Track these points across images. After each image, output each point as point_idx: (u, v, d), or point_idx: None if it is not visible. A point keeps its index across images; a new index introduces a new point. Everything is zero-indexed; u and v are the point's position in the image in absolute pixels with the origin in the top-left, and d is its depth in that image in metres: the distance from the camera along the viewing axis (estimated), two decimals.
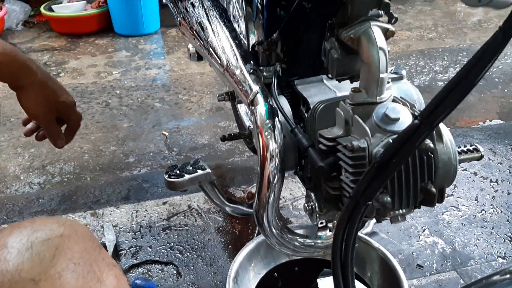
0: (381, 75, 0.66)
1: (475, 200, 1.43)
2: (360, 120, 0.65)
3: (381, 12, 0.69)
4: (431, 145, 0.62)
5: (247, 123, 1.52)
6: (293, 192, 1.47)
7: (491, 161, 1.62)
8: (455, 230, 1.31)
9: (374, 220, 1.30)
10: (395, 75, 0.85)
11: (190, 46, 1.35)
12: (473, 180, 1.52)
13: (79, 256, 0.44)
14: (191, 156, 1.77)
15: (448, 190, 1.46)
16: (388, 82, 0.69)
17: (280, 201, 1.47)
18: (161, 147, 1.83)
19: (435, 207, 1.39)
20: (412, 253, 1.24)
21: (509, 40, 0.42)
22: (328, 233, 0.81)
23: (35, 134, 0.98)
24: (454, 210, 1.39)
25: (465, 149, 0.86)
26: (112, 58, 2.62)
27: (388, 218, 0.69)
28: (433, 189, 0.63)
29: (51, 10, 2.84)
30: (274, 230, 0.76)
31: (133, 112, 2.08)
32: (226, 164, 1.72)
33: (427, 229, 1.32)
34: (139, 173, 1.66)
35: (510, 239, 1.28)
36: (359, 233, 1.12)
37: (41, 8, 2.85)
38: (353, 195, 0.52)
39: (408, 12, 3.29)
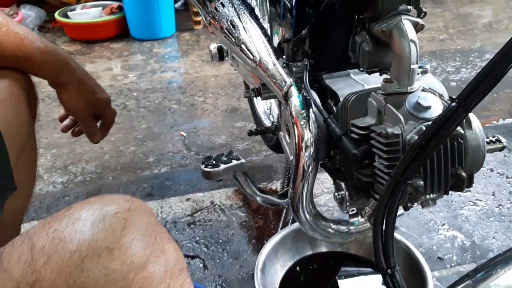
0: (412, 66, 0.69)
1: (492, 195, 1.45)
2: (393, 109, 0.68)
3: (411, 7, 0.72)
4: (462, 131, 0.65)
5: (265, 121, 1.56)
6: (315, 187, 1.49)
7: (506, 157, 1.64)
8: (474, 224, 1.34)
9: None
10: (420, 70, 0.88)
11: (212, 46, 1.39)
12: (490, 176, 1.54)
13: (145, 228, 0.47)
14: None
15: None
16: (418, 74, 0.72)
17: None
18: (180, 147, 1.86)
19: (453, 202, 1.42)
20: (433, 246, 1.27)
21: None
22: (361, 219, 0.84)
23: (71, 130, 1.02)
24: (472, 205, 1.41)
25: (487, 140, 0.89)
26: (127, 61, 2.66)
27: (420, 202, 0.72)
28: (463, 174, 0.66)
29: (66, 16, 2.89)
30: (308, 217, 0.79)
31: (150, 114, 2.12)
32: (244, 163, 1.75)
33: (446, 223, 1.34)
34: (160, 172, 1.69)
35: None
36: None
37: (56, 15, 2.90)
38: (394, 175, 0.55)
39: None
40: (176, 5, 3.01)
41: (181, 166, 1.75)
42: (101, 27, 2.85)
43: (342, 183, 0.84)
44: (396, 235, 1.12)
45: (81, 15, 2.87)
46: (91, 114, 0.96)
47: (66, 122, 1.02)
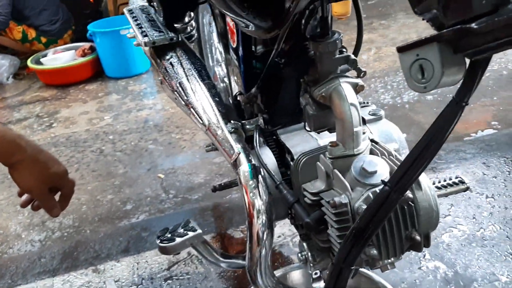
0: (355, 129, 0.67)
1: (473, 218, 1.43)
2: (340, 175, 0.66)
3: (350, 67, 0.71)
4: (410, 195, 0.63)
5: None
6: (292, 228, 1.47)
7: (485, 175, 1.63)
8: (455, 252, 1.32)
9: None
10: (374, 116, 0.87)
11: None
12: (469, 198, 1.52)
13: None
14: (188, 198, 1.78)
15: (445, 210, 1.47)
16: (364, 133, 0.71)
17: (280, 238, 1.48)
18: (158, 191, 1.84)
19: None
20: (415, 280, 1.24)
21: (463, 110, 0.44)
22: (322, 284, 0.81)
23: (30, 204, 0.99)
24: (452, 231, 1.39)
25: (450, 182, 0.87)
26: (103, 102, 2.65)
27: (379, 267, 0.70)
28: (418, 237, 0.64)
29: (38, 62, 2.87)
30: (267, 286, 0.77)
31: (127, 157, 2.10)
32: (223, 203, 1.73)
33: (427, 254, 1.32)
34: (138, 221, 1.66)
35: (511, 256, 1.28)
36: (360, 269, 1.13)
37: (28, 62, 2.88)
38: (336, 263, 0.53)
39: (391, 27, 3.33)
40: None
41: (160, 211, 1.72)
42: (75, 70, 2.84)
43: (305, 244, 0.82)
44: (374, 276, 1.11)
45: (54, 60, 2.86)
46: (46, 189, 0.93)
47: (24, 197, 0.99)
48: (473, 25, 0.37)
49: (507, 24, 0.35)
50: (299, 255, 0.82)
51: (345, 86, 0.67)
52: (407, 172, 0.47)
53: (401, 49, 0.46)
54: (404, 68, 0.46)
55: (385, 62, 2.78)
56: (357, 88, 0.69)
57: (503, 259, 1.27)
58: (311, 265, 0.81)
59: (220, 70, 1.41)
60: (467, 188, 0.88)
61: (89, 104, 2.64)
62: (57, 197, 0.99)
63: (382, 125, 0.88)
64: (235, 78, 1.08)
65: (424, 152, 0.47)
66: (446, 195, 0.88)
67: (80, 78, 2.86)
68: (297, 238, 1.44)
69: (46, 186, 0.92)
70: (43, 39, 3.06)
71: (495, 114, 2.12)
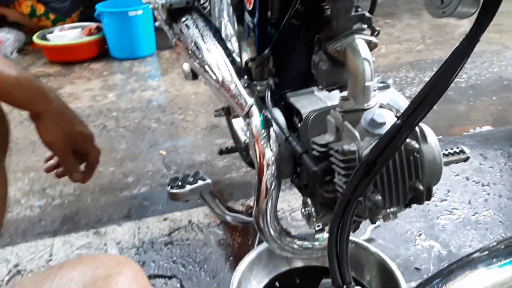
0: (366, 84, 0.70)
1: (468, 204, 1.47)
2: (350, 126, 0.69)
3: (365, 26, 0.74)
4: (417, 146, 0.66)
5: (243, 138, 1.56)
6: (291, 203, 1.50)
7: (482, 165, 1.66)
8: (450, 233, 1.35)
9: (372, 227, 1.34)
10: (382, 84, 0.90)
11: (185, 66, 1.39)
12: (466, 185, 1.56)
13: None
14: (189, 174, 1.80)
15: (442, 195, 1.51)
16: (374, 90, 0.74)
17: (278, 212, 1.50)
18: (160, 166, 1.86)
19: (430, 212, 1.43)
20: (410, 257, 1.27)
21: (474, 48, 0.47)
22: (325, 235, 0.84)
23: (55, 170, 0.96)
24: (448, 214, 1.42)
25: (451, 151, 0.90)
26: (107, 81, 2.67)
27: (381, 217, 0.73)
28: (421, 187, 0.67)
29: (44, 38, 2.88)
30: (273, 234, 0.80)
31: (130, 134, 2.12)
32: (224, 180, 1.76)
33: (423, 233, 1.35)
34: (139, 192, 1.69)
35: None
36: (357, 239, 1.16)
37: (34, 37, 2.90)
38: (345, 193, 0.55)
39: (397, 26, 3.37)
40: (156, 24, 3.02)
41: (161, 185, 1.74)
42: (80, 48, 2.85)
43: (309, 200, 0.85)
44: (371, 247, 1.13)
45: (60, 37, 2.88)
46: (69, 148, 0.88)
47: (51, 162, 0.96)
48: None
49: None
50: (302, 210, 0.85)
51: (360, 42, 0.70)
52: (418, 107, 0.50)
53: None
54: None
55: (389, 58, 2.82)
56: (371, 45, 0.72)
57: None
58: (314, 220, 0.83)
59: (230, 46, 1.44)
60: (468, 158, 0.91)
61: (93, 82, 2.66)
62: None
63: (389, 93, 0.91)
64: (247, 46, 1.11)
65: (435, 88, 0.50)
66: (447, 163, 0.91)
67: (85, 56, 2.88)
68: (295, 213, 1.47)
69: (69, 144, 0.88)
70: (51, 16, 3.07)
71: (493, 113, 2.16)
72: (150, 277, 1.23)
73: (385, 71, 2.64)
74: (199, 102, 2.38)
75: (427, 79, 2.52)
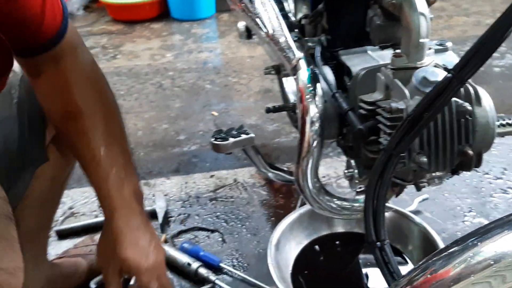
0: (421, 40, 0.67)
1: None
2: (400, 83, 0.67)
3: None
4: (469, 108, 0.63)
5: (292, 99, 1.55)
6: (337, 170, 1.49)
7: None
8: (503, 212, 1.29)
9: (419, 198, 1.30)
10: (440, 47, 0.85)
11: (240, 24, 1.39)
12: None
13: None
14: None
15: (497, 173, 1.44)
16: (430, 48, 0.70)
17: (324, 179, 1.50)
18: (210, 126, 1.89)
19: (483, 189, 1.37)
20: (456, 232, 1.23)
21: None
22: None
23: None
24: (503, 193, 1.36)
25: (510, 121, 0.86)
26: (166, 41, 2.71)
27: (426, 181, 0.70)
28: (470, 152, 0.64)
29: None
30: (312, 192, 0.79)
31: (184, 93, 2.16)
32: (272, 144, 1.76)
33: (473, 210, 1.30)
34: (189, 150, 1.73)
35: None
36: (402, 209, 1.14)
37: None
38: (387, 148, 0.54)
39: None
40: None
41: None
42: (142, 8, 2.91)
43: (352, 161, 0.83)
44: (415, 218, 1.11)
45: None
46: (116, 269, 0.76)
47: None
48: None
49: None
50: (345, 172, 0.84)
51: None
52: (471, 60, 0.48)
53: None
54: None
55: (455, 31, 2.68)
56: (430, 1, 0.68)
57: None
58: (356, 182, 0.82)
59: (286, 6, 1.42)
60: None
61: (152, 42, 2.71)
62: None
63: (447, 56, 0.86)
64: (302, 6, 1.09)
65: (490, 41, 0.46)
66: (504, 134, 0.86)
67: (146, 16, 2.93)
68: (341, 180, 1.45)
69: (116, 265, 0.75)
70: None
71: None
72: (193, 229, 1.27)
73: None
74: (253, 66, 2.37)
75: (494, 54, 2.38)
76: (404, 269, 1.04)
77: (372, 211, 0.55)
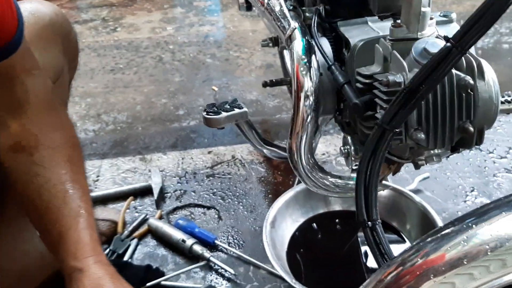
0: (422, 9, 0.63)
1: None
2: (398, 55, 0.63)
3: None
4: (471, 82, 0.59)
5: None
6: (337, 148, 1.45)
7: None
8: (506, 192, 1.26)
9: (420, 177, 1.27)
10: (444, 18, 0.81)
11: None
12: None
13: None
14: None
15: (502, 152, 1.40)
16: (431, 18, 0.66)
17: (324, 156, 1.47)
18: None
19: (486, 168, 1.34)
20: (457, 212, 1.21)
21: None
22: None
23: None
24: (506, 172, 1.32)
25: (510, 99, 0.82)
26: (167, 14, 2.66)
27: (423, 159, 0.67)
28: (471, 128, 0.61)
29: None
30: (306, 168, 0.76)
31: (184, 67, 2.12)
32: (272, 120, 1.73)
33: (475, 190, 1.27)
34: (188, 125, 1.70)
35: None
36: (400, 187, 1.11)
37: None
38: (380, 122, 0.51)
39: None
40: None
41: None
42: None
43: (349, 138, 0.80)
44: (414, 196, 1.08)
45: None
46: None
47: None
48: None
49: None
50: (341, 148, 0.81)
51: None
52: (472, 29, 0.44)
53: None
54: None
55: (464, 5, 2.61)
56: None
57: None
58: (352, 159, 0.79)
59: None
60: None
61: (153, 14, 2.66)
62: None
63: (451, 28, 0.82)
64: None
65: (492, 9, 0.43)
66: (509, 111, 0.83)
67: None
68: (341, 158, 1.42)
69: None
70: None
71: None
72: (189, 205, 1.25)
73: (458, 19, 2.44)
74: (256, 40, 2.32)
75: (503, 30, 2.32)
76: (401, 248, 1.02)
77: (364, 189, 0.52)
